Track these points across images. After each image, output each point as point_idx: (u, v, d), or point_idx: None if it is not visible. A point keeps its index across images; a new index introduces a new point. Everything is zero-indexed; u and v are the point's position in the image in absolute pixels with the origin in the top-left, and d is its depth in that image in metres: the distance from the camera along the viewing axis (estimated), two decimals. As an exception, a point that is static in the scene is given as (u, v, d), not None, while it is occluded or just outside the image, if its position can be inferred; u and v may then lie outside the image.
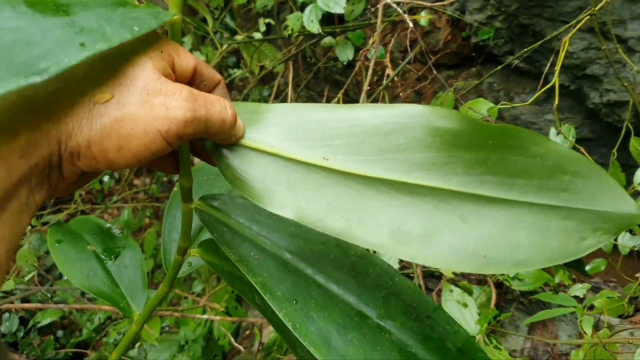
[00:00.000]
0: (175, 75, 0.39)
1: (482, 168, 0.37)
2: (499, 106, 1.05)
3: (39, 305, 1.91)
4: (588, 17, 0.99)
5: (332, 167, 0.38)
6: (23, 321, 2.16)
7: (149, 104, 0.34)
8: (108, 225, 0.76)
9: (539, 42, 1.19)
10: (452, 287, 1.16)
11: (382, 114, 0.38)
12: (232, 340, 1.59)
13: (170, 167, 0.45)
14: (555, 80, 1.01)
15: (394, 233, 0.36)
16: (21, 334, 2.15)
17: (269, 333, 1.65)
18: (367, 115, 0.39)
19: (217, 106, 0.38)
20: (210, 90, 0.43)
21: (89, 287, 0.65)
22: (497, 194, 0.36)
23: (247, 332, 1.81)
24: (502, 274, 1.25)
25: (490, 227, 0.35)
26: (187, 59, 0.39)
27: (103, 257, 0.70)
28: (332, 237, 0.40)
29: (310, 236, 0.47)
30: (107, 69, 0.35)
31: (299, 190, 0.39)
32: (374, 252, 0.46)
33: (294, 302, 0.40)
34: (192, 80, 0.41)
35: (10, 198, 0.32)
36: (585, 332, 1.05)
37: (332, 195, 0.38)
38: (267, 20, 1.77)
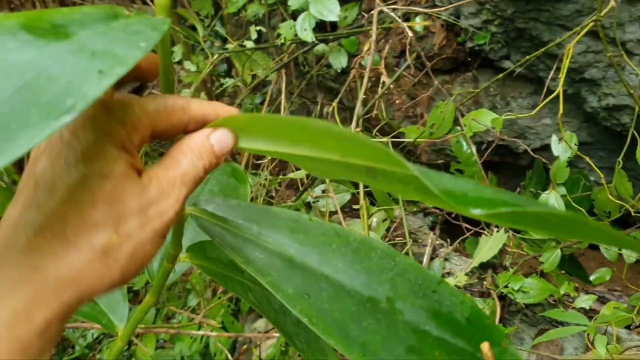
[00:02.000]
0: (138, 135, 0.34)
1: None
2: (503, 117, 1.02)
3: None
4: (593, 22, 0.97)
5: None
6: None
7: (149, 223, 0.32)
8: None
9: (542, 50, 1.16)
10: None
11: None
12: (229, 356, 1.56)
13: None
14: (559, 90, 0.98)
15: None
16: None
17: (266, 348, 1.62)
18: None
19: (206, 157, 0.35)
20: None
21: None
22: None
23: (245, 346, 1.78)
24: (506, 286, 1.22)
25: None
26: (142, 113, 0.34)
27: None
28: (331, 226, 0.42)
29: (309, 229, 0.47)
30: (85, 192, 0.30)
31: None
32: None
33: (306, 296, 0.41)
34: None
35: None
36: (593, 347, 1.03)
37: None
38: (258, 28, 1.74)
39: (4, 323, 0.27)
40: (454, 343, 0.42)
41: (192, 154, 0.34)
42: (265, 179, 1.60)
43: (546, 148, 1.69)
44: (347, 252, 0.46)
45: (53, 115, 0.24)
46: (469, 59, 1.78)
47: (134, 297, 2.03)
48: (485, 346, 0.42)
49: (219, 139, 0.35)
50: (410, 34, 1.17)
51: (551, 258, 1.21)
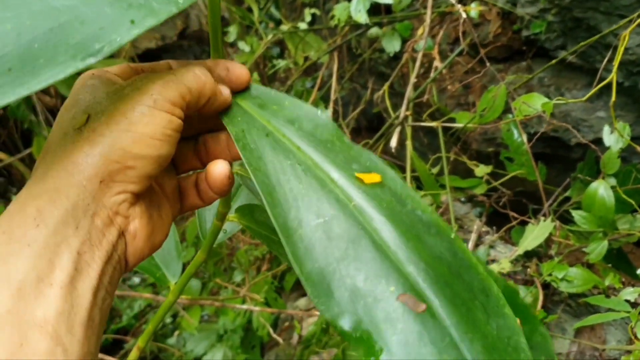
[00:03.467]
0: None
1: None
2: (553, 101, 1.01)
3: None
4: (652, 10, 0.95)
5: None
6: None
7: (154, 108, 0.37)
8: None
9: (595, 37, 1.15)
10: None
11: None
12: (271, 331, 1.59)
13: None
14: (613, 77, 0.97)
15: None
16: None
17: (308, 326, 1.65)
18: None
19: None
20: None
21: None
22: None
23: (286, 324, 1.81)
24: (550, 274, 1.22)
25: None
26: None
27: None
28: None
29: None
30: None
31: None
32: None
33: None
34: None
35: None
36: (637, 339, 1.02)
37: None
38: (312, 11, 1.75)
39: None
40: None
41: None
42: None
43: (599, 142, 1.66)
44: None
45: (79, 57, 0.28)
46: (524, 47, 1.75)
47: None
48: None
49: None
50: (464, 15, 1.17)
51: (597, 249, 1.20)
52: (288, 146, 0.38)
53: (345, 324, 0.31)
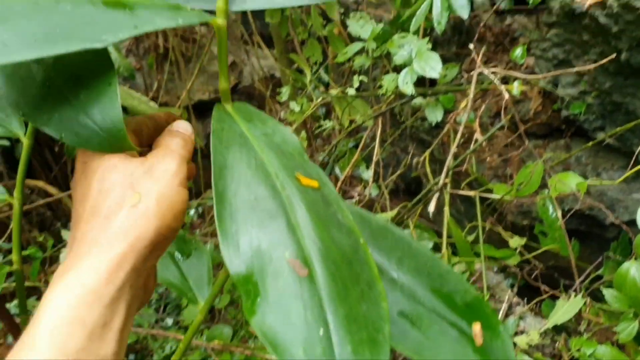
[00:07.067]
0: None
1: None
2: (588, 182, 1.06)
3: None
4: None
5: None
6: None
7: (159, 179, 0.45)
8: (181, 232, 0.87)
9: (633, 123, 1.20)
10: (526, 357, 1.15)
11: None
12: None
13: None
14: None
15: None
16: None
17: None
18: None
19: (179, 135, 0.49)
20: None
21: (162, 278, 0.73)
22: None
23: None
24: (578, 350, 1.23)
25: None
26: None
27: (176, 255, 0.80)
28: (355, 210, 0.50)
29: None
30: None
31: None
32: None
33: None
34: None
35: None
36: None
37: None
38: (360, 78, 1.85)
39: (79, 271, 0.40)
40: (446, 316, 0.47)
41: (169, 135, 0.49)
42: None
43: (634, 223, 1.69)
44: (364, 232, 0.52)
45: (89, 41, 0.39)
46: (563, 126, 1.81)
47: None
48: (477, 326, 0.46)
49: (182, 126, 0.50)
50: (507, 95, 1.24)
51: (628, 329, 1.21)
52: (253, 146, 0.46)
53: (241, 271, 0.38)
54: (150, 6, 0.44)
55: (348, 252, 0.40)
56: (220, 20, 0.47)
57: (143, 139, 0.49)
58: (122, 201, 0.42)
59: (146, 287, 0.47)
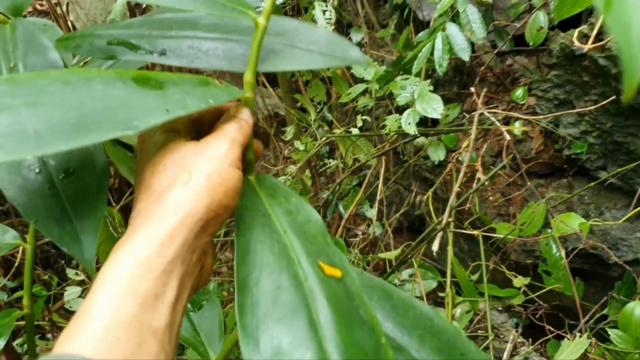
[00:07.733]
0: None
1: None
2: (590, 222, 1.07)
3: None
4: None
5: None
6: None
7: (211, 159, 0.46)
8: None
9: (635, 164, 1.21)
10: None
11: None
12: None
13: None
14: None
15: None
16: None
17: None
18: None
19: (237, 121, 0.50)
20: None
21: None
22: None
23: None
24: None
25: None
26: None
27: (188, 307, 0.79)
28: (378, 281, 0.50)
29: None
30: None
31: None
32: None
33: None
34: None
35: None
36: None
37: None
38: (364, 117, 1.88)
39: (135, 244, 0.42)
40: None
41: (226, 119, 0.50)
42: (355, 256, 1.69)
43: (638, 262, 1.69)
44: (386, 307, 0.53)
45: (120, 129, 0.39)
46: (565, 165, 1.82)
47: None
48: None
49: (240, 111, 0.50)
50: (508, 137, 1.25)
51: (634, 370, 1.21)
52: (277, 228, 0.46)
53: None
54: (179, 82, 0.45)
55: (370, 354, 0.40)
56: (248, 94, 0.50)
57: (205, 126, 0.52)
58: (174, 180, 0.44)
59: (203, 266, 0.47)
